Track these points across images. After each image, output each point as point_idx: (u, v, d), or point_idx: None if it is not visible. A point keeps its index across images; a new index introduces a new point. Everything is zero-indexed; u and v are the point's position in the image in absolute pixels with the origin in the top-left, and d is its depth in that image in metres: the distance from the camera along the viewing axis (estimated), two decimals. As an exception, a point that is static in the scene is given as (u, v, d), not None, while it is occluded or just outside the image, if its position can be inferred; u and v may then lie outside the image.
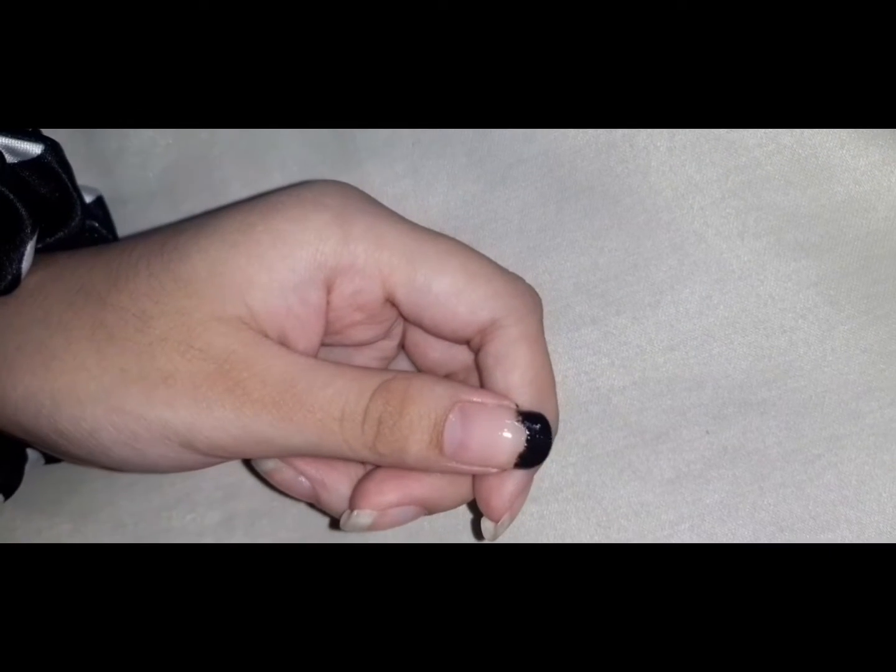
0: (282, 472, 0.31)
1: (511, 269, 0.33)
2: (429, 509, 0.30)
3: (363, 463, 0.30)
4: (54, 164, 0.31)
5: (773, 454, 0.32)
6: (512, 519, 0.30)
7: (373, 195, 0.34)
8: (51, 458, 0.36)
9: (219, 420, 0.27)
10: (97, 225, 0.35)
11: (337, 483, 0.31)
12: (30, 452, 0.34)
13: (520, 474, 0.29)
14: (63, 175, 0.31)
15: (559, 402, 0.30)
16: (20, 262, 0.29)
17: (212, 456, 0.28)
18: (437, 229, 0.34)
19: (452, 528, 0.33)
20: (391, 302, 0.29)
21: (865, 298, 0.32)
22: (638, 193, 0.33)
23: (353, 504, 0.30)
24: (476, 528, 0.32)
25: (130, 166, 0.37)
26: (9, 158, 0.30)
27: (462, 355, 0.31)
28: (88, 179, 0.37)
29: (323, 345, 0.30)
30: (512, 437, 0.28)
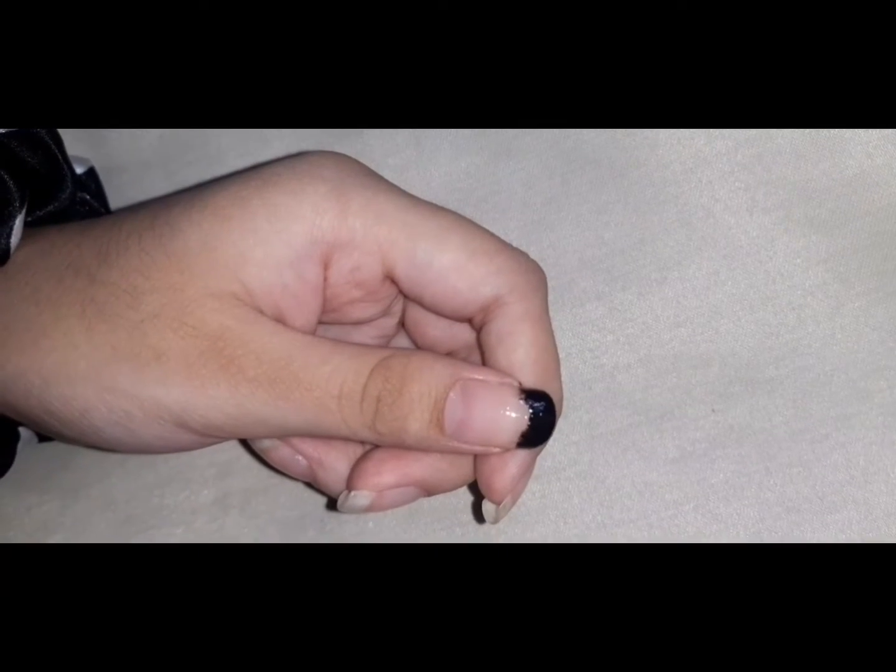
0: (278, 450, 0.30)
1: (515, 243, 0.32)
2: (428, 491, 0.29)
3: (362, 442, 0.30)
4: (43, 135, 0.30)
5: (780, 433, 0.31)
6: (514, 502, 0.29)
7: (374, 166, 0.33)
8: (44, 437, 0.35)
9: (213, 399, 0.26)
10: (88, 197, 0.34)
11: (335, 462, 0.30)
12: (22, 431, 0.34)
13: (522, 455, 0.28)
14: (53, 146, 0.30)
15: (564, 378, 0.29)
16: (9, 236, 0.28)
17: (207, 436, 0.28)
18: (439, 202, 0.33)
19: (452, 509, 0.32)
20: (390, 278, 0.28)
21: (876, 275, 0.31)
22: (645, 166, 0.32)
23: (350, 485, 0.29)
24: (477, 511, 0.32)
25: (125, 135, 0.36)
26: (-4, 129, 0.29)
27: (463, 334, 0.31)
28: (83, 149, 0.36)
29: (321, 323, 0.30)
30: (514, 415, 0.27)
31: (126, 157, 0.36)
